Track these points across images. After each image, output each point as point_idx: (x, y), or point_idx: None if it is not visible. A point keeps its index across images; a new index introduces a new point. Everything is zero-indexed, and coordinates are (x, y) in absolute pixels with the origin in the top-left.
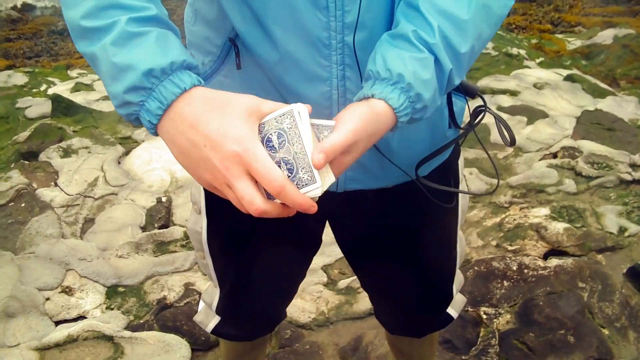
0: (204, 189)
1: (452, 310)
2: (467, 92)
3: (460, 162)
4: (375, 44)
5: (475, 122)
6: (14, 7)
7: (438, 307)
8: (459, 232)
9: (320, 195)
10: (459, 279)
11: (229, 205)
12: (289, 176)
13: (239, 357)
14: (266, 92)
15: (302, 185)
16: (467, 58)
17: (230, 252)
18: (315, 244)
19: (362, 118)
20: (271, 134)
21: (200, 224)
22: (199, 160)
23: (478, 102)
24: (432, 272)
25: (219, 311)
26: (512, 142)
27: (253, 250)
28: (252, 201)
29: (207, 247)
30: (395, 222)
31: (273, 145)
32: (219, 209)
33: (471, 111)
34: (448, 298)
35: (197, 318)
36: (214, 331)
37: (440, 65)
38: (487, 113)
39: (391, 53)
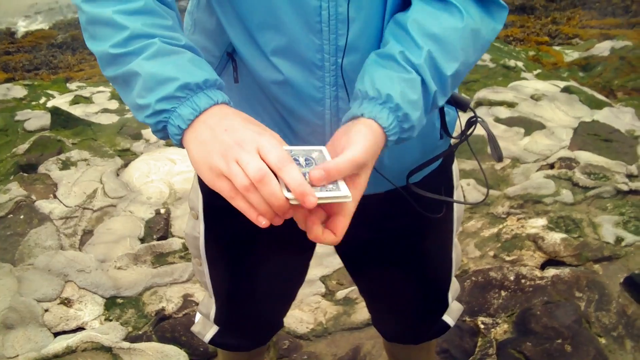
0: (202, 194)
1: (449, 318)
2: (458, 104)
3: (455, 170)
4: (361, 65)
5: (468, 133)
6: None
7: (434, 315)
8: (455, 240)
9: (344, 198)
10: (454, 286)
11: (227, 211)
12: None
13: None
14: (263, 106)
15: (327, 190)
16: (452, 80)
17: (227, 259)
18: (309, 253)
19: (366, 137)
20: (299, 157)
21: (198, 229)
22: (214, 144)
23: (471, 113)
24: (428, 279)
25: (217, 321)
26: (500, 159)
27: (250, 258)
28: (259, 168)
29: (204, 253)
30: (391, 227)
31: (300, 164)
32: (217, 214)
33: (463, 122)
34: (443, 305)
35: (195, 329)
36: (211, 341)
37: (426, 87)
38: (480, 125)
39: (379, 73)
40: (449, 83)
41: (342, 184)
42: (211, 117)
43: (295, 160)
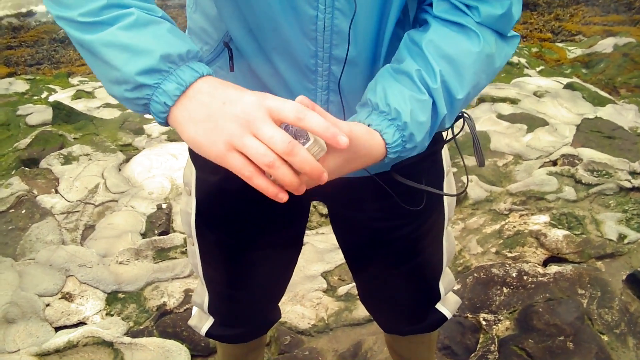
0: (196, 169)
1: (445, 309)
2: None
3: (445, 155)
4: (357, 75)
5: (456, 130)
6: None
7: (425, 304)
8: (447, 229)
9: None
10: (447, 277)
11: (219, 189)
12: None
13: None
14: None
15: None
16: (462, 103)
17: (216, 237)
18: (300, 237)
19: (360, 131)
20: (287, 127)
21: (191, 205)
22: (217, 118)
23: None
24: (416, 268)
25: (210, 310)
26: (481, 164)
27: (239, 239)
28: (287, 141)
29: (194, 230)
30: (375, 208)
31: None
32: (209, 190)
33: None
34: (435, 294)
35: (191, 322)
36: (208, 334)
37: (436, 110)
38: (469, 127)
39: (393, 88)
40: (458, 106)
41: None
42: (200, 92)
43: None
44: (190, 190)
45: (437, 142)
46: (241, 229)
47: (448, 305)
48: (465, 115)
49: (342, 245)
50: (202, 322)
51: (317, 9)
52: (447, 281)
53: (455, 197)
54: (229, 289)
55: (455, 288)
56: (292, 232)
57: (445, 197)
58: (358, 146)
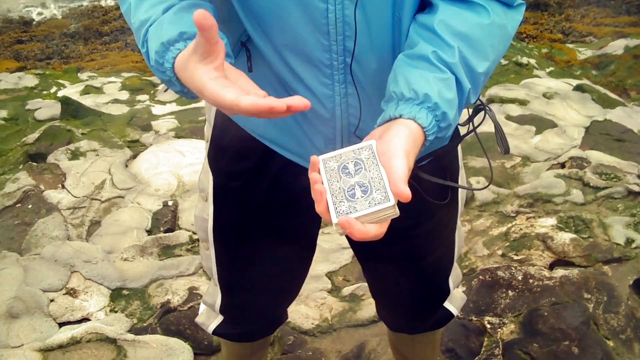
0: (213, 175)
1: (451, 307)
2: None
3: (459, 156)
4: (376, 66)
5: (476, 121)
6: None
7: (434, 301)
8: (458, 224)
9: (393, 213)
10: (455, 272)
11: (237, 194)
12: (362, 196)
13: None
14: (278, 95)
15: (375, 203)
16: (484, 77)
17: (234, 243)
18: (313, 245)
19: (408, 140)
20: (348, 163)
21: (207, 211)
22: None
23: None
24: (429, 265)
25: (222, 310)
26: (506, 151)
27: (256, 245)
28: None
29: (212, 236)
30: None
31: (349, 172)
32: (227, 196)
33: (470, 111)
34: (444, 292)
35: (199, 320)
36: (215, 332)
37: (460, 85)
38: (487, 117)
39: (414, 74)
40: (481, 80)
41: (391, 194)
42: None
43: (345, 168)
44: (206, 196)
45: (456, 137)
46: (261, 234)
47: (454, 302)
48: (486, 107)
49: (356, 244)
50: (210, 319)
51: (327, 1)
52: (455, 275)
53: (465, 192)
54: (245, 292)
55: (460, 289)
56: (307, 237)
57: (459, 191)
58: (412, 154)
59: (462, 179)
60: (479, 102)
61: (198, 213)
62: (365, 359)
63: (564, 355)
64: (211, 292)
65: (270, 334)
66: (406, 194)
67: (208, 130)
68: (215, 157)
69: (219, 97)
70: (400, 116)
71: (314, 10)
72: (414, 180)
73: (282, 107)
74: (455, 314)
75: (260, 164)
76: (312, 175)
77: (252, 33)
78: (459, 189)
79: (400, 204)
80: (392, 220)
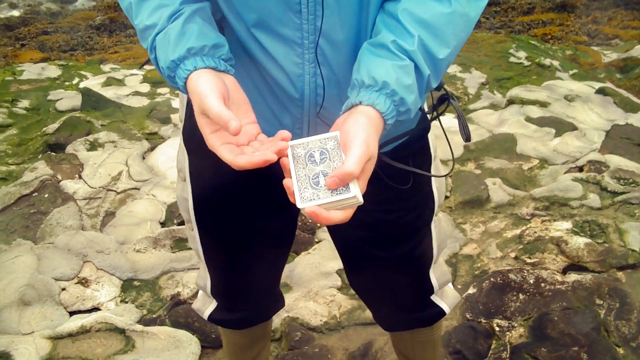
0: (188, 154)
1: (442, 303)
2: None
3: (431, 140)
4: (345, 49)
5: (440, 110)
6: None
7: (418, 295)
8: (436, 216)
9: (356, 202)
10: (440, 269)
11: (213, 170)
12: (325, 185)
13: (240, 351)
14: (250, 76)
15: (338, 193)
16: (446, 63)
17: (214, 222)
18: (293, 216)
19: (366, 129)
20: (314, 151)
21: (187, 191)
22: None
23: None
24: (404, 256)
25: (213, 292)
26: (467, 139)
27: (237, 220)
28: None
29: (193, 216)
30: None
31: (315, 160)
32: (203, 174)
33: (435, 100)
34: (427, 286)
35: (195, 305)
36: (210, 318)
37: (420, 71)
38: (454, 106)
39: (374, 62)
40: (442, 66)
41: (352, 185)
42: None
43: (311, 156)
44: (184, 176)
45: (422, 121)
46: (239, 212)
47: (446, 299)
48: (450, 97)
49: (336, 237)
50: (205, 305)
51: None
52: (439, 272)
53: (444, 184)
54: (229, 272)
55: (470, 292)
56: (287, 215)
57: (434, 182)
58: (372, 142)
59: (436, 169)
60: (443, 92)
61: (179, 193)
62: (372, 358)
63: None
64: (202, 274)
65: (264, 320)
66: (345, 178)
67: (182, 109)
68: (188, 135)
69: (216, 151)
70: (360, 103)
71: None
72: (378, 166)
73: (274, 158)
74: (447, 311)
75: None
76: (282, 161)
77: (225, 10)
78: (432, 180)
79: (368, 189)
80: (361, 206)
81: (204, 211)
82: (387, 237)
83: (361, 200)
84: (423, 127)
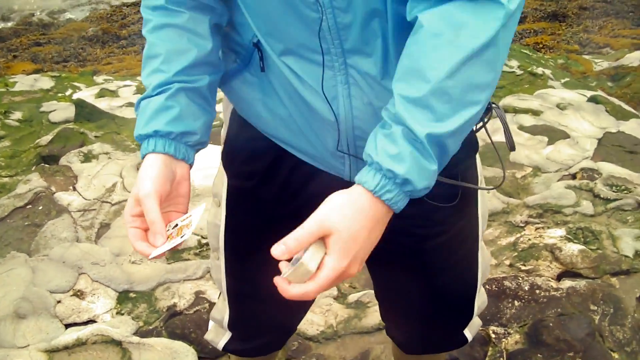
0: (228, 177)
1: (468, 333)
2: None
3: (477, 168)
4: (369, 71)
5: (485, 118)
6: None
7: (455, 326)
8: (481, 243)
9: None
10: (482, 298)
11: (251, 194)
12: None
13: None
14: (288, 95)
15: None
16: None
17: (245, 249)
18: None
19: (333, 200)
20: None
21: (220, 217)
22: None
23: None
24: (447, 286)
25: (230, 326)
26: (512, 148)
27: (268, 250)
28: None
29: (222, 243)
30: (401, 224)
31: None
32: (239, 199)
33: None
34: (468, 317)
35: (208, 337)
36: (225, 348)
37: (413, 134)
38: (498, 115)
39: (371, 137)
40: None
41: (307, 255)
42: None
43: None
44: (219, 201)
45: (469, 144)
46: (272, 239)
47: (471, 328)
48: (493, 105)
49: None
50: (219, 337)
51: (319, 11)
52: (481, 301)
53: (487, 208)
54: (255, 303)
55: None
56: None
57: (479, 208)
58: (335, 218)
59: (481, 193)
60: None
61: (211, 219)
62: None
63: None
64: (220, 307)
65: (280, 347)
66: (277, 253)
67: (224, 132)
68: (230, 158)
69: (127, 229)
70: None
71: (307, 19)
72: None
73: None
74: (469, 340)
75: (273, 164)
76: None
77: (259, 37)
78: (478, 203)
79: (406, 211)
80: (400, 231)
81: (234, 238)
82: (427, 264)
83: (312, 269)
84: (470, 144)
